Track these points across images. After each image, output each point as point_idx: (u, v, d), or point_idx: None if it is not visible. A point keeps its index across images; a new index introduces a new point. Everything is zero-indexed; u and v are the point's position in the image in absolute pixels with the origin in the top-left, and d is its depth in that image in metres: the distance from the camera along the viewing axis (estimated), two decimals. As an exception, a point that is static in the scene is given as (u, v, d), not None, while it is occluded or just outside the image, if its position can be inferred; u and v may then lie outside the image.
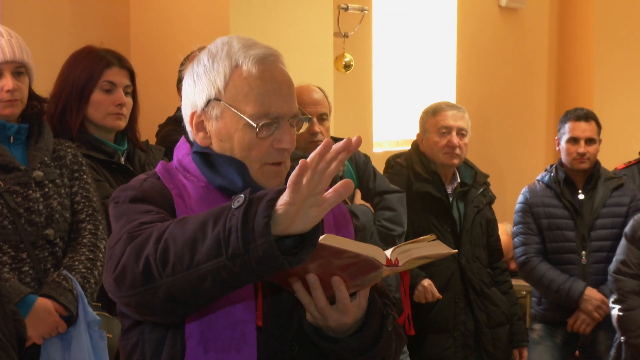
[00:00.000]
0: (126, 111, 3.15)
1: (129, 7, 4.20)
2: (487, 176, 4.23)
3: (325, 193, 1.50)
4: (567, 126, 4.52)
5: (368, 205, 3.63)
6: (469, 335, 4.00)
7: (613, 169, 5.00)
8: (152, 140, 3.52)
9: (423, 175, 4.04)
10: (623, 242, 3.97)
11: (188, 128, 1.88)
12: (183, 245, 1.55)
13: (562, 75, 6.63)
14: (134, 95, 3.21)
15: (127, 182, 3.04)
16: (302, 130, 1.88)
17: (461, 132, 4.05)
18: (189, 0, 4.05)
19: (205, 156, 1.84)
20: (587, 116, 4.54)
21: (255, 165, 1.81)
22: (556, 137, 4.62)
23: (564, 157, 4.54)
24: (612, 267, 3.99)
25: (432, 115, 4.10)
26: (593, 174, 4.49)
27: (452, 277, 3.98)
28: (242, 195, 1.53)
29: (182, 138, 1.94)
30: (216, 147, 1.83)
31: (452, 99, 5.46)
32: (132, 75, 3.20)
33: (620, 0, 6.57)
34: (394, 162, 4.20)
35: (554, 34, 6.60)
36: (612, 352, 4.15)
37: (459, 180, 4.12)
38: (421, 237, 1.75)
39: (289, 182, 1.48)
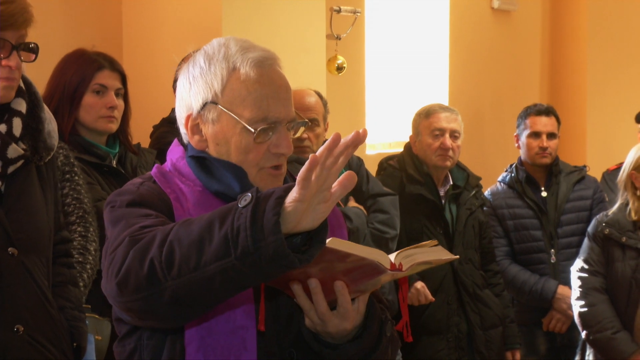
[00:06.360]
0: (118, 114, 3.14)
1: (121, 9, 4.19)
2: (479, 178, 4.23)
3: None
4: (528, 121, 4.50)
5: (361, 207, 3.63)
6: (462, 337, 4.00)
7: (605, 169, 5.01)
8: (145, 143, 3.51)
9: (416, 178, 4.04)
10: (585, 241, 3.98)
11: (182, 131, 1.86)
12: (189, 246, 1.52)
13: (555, 77, 6.63)
14: (125, 98, 3.20)
15: (119, 185, 3.07)
16: (298, 135, 1.86)
17: (454, 135, 4.05)
18: (181, 2, 4.05)
19: (201, 160, 1.82)
20: (548, 111, 4.53)
21: (253, 170, 1.79)
22: (515, 134, 4.60)
23: (524, 153, 4.52)
24: (574, 265, 4.00)
25: (425, 117, 4.10)
26: (552, 170, 4.48)
27: (445, 280, 3.98)
28: (249, 194, 1.51)
29: (175, 141, 1.91)
30: (212, 150, 1.81)
31: (445, 101, 5.46)
32: (123, 78, 3.20)
33: (613, 1, 6.58)
34: (387, 164, 4.20)
35: (546, 36, 6.60)
36: (578, 350, 4.16)
37: (451, 183, 4.12)
38: (423, 242, 1.74)
39: (298, 179, 1.46)
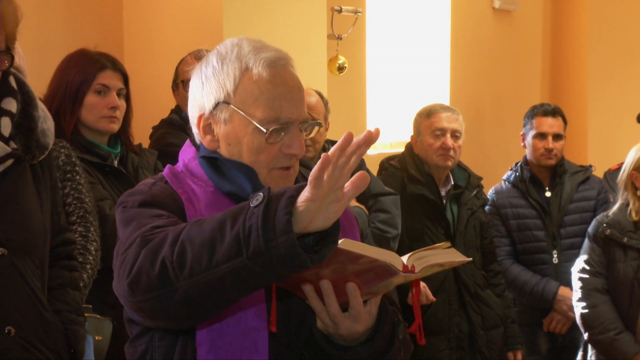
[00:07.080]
0: (119, 114, 3.15)
1: (122, 9, 4.19)
2: (480, 178, 4.23)
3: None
4: (534, 122, 4.49)
5: (362, 207, 3.63)
6: (463, 337, 4.00)
7: (607, 169, 5.00)
8: (146, 143, 3.52)
9: (417, 178, 4.03)
10: (586, 241, 3.97)
11: (195, 130, 1.85)
12: (201, 246, 1.52)
13: (556, 77, 6.63)
14: (127, 98, 3.20)
15: (121, 185, 3.08)
16: (312, 135, 1.85)
17: (455, 134, 4.05)
18: (183, 2, 4.05)
19: (212, 161, 1.82)
20: (555, 112, 4.51)
21: (264, 170, 1.78)
22: (521, 133, 4.59)
23: (530, 153, 4.51)
24: (575, 266, 3.99)
25: (426, 117, 4.10)
26: (557, 170, 4.47)
27: (446, 280, 3.97)
28: (261, 194, 1.50)
29: (187, 141, 1.91)
30: (224, 150, 1.81)
31: (446, 101, 5.46)
32: (125, 78, 3.20)
33: (613, 1, 6.58)
34: (388, 164, 4.20)
35: (547, 36, 6.60)
36: (580, 351, 4.16)
37: (452, 183, 4.12)
38: (436, 245, 1.73)
39: (310, 178, 1.45)
